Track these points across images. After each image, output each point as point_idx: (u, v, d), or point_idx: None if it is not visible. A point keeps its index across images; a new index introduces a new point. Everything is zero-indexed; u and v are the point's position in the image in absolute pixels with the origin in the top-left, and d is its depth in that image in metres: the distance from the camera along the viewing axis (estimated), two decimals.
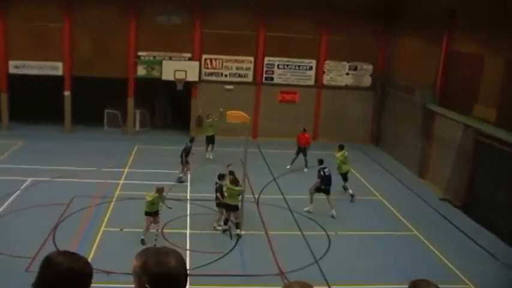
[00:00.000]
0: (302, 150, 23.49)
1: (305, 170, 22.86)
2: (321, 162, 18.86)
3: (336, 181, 19.73)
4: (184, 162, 21.04)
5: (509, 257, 15.79)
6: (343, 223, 17.77)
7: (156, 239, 15.27)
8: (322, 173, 18.34)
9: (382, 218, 18.64)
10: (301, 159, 23.36)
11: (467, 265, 15.12)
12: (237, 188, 16.16)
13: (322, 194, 18.37)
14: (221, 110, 22.60)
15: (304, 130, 24.15)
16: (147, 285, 2.53)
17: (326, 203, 18.24)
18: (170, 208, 16.60)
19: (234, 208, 16.27)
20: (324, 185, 18.26)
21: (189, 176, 21.04)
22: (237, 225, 16.34)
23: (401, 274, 14.33)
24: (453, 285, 13.86)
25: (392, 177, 23.81)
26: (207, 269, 13.97)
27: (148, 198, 15.54)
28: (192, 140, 22.06)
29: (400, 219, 18.60)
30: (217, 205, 16.75)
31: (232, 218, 16.57)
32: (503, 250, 16.40)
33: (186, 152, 21.19)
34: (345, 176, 20.67)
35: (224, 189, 16.37)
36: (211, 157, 24.25)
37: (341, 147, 21.11)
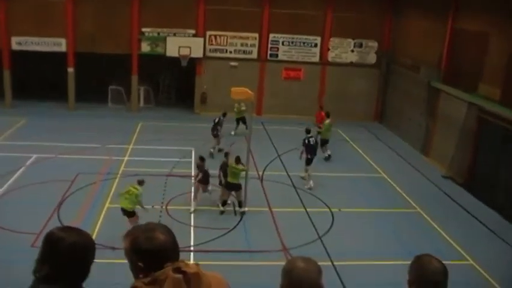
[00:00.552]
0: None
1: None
2: (308, 131, 19.46)
3: (334, 156, 19.74)
4: (218, 136, 21.57)
5: (511, 234, 15.87)
6: (346, 200, 17.84)
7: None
8: (306, 141, 19.00)
9: (385, 195, 18.69)
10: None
11: (469, 242, 15.21)
12: (240, 167, 16.14)
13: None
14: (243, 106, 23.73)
15: (321, 108, 23.96)
16: (140, 264, 2.55)
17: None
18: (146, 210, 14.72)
19: (235, 187, 16.22)
20: (308, 154, 18.81)
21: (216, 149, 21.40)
22: (240, 204, 16.35)
23: (404, 251, 14.43)
24: (455, 261, 13.94)
25: (396, 154, 23.82)
26: (211, 245, 14.09)
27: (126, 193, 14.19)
28: (224, 115, 22.24)
29: (403, 197, 18.66)
30: (220, 183, 16.80)
31: (233, 196, 16.59)
32: (505, 227, 16.49)
33: (220, 125, 21.68)
34: (324, 141, 21.88)
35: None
36: (232, 133, 24.35)
37: (327, 115, 22.28)
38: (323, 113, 23.22)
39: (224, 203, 16.33)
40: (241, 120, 24.36)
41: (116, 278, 10.75)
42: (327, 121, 22.04)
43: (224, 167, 16.56)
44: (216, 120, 21.74)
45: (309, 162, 18.96)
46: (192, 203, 16.52)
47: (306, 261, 2.76)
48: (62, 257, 2.56)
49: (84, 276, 2.65)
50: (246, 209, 16.31)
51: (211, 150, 21.06)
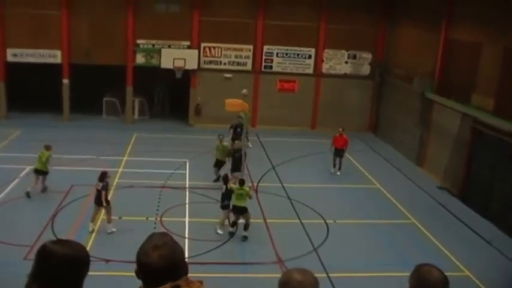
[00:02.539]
0: (338, 152, 21.71)
1: (338, 173, 21.67)
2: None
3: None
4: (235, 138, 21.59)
5: (506, 245, 15.89)
6: (341, 211, 17.82)
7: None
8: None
9: (380, 206, 18.69)
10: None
11: (464, 253, 15.21)
12: (246, 189, 15.53)
13: None
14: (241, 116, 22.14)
15: (343, 130, 22.13)
16: (138, 275, 2.58)
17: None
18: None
19: (243, 210, 15.38)
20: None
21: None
22: (245, 227, 15.39)
23: (399, 262, 14.43)
24: (450, 273, 13.83)
25: (391, 165, 23.86)
26: (206, 257, 14.02)
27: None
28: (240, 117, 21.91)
29: (398, 208, 18.67)
30: (222, 207, 15.82)
31: (241, 220, 15.58)
32: (500, 237, 16.50)
33: (237, 127, 21.92)
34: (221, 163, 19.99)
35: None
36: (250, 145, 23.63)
37: None
38: (345, 137, 21.94)
39: (233, 224, 15.57)
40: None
41: None
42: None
43: (228, 191, 15.72)
44: (235, 124, 22.19)
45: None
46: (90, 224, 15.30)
47: (302, 272, 2.75)
48: (54, 271, 2.52)
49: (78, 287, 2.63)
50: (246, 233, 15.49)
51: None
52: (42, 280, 2.52)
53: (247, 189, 15.74)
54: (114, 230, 15.26)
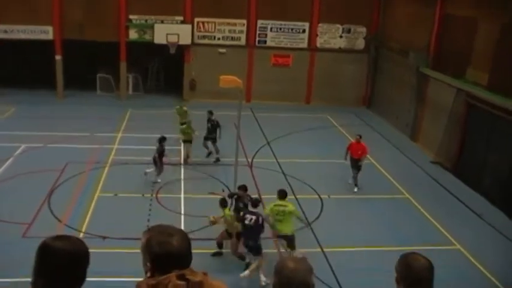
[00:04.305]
0: (355, 162, 17.81)
1: (355, 189, 17.77)
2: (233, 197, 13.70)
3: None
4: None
5: (497, 219, 16.11)
6: (335, 186, 17.96)
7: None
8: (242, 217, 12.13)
9: (374, 181, 18.82)
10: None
11: (457, 227, 15.41)
12: (290, 205, 12.41)
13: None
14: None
15: (360, 137, 18.03)
16: (148, 264, 2.63)
17: None
18: None
19: (290, 238, 12.37)
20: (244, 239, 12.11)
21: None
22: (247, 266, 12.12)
23: (392, 236, 14.63)
24: (442, 246, 14.15)
25: (385, 140, 23.97)
26: (201, 233, 14.13)
27: None
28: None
29: (392, 182, 18.83)
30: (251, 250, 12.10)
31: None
32: (491, 211, 16.72)
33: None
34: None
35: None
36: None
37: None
38: (363, 144, 17.88)
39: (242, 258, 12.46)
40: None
41: (105, 267, 10.84)
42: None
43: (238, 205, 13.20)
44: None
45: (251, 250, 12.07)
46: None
47: (295, 261, 2.84)
48: (58, 267, 2.59)
49: (82, 281, 2.70)
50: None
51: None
52: (47, 276, 2.59)
53: (291, 205, 12.40)
54: (159, 180, 17.23)
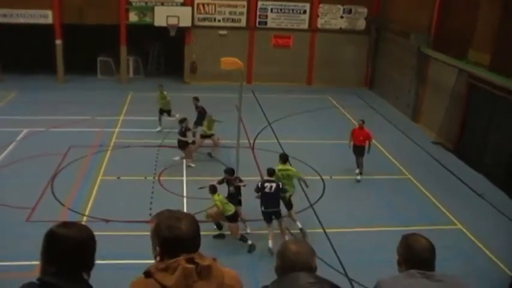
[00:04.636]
0: (358, 150, 17.19)
1: (358, 177, 17.11)
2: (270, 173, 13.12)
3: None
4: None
5: (498, 198, 16.17)
6: (337, 168, 17.99)
7: None
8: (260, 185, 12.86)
9: (375, 161, 18.81)
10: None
11: (458, 207, 15.48)
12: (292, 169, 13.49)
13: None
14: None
15: (363, 122, 17.32)
16: (157, 248, 2.67)
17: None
18: None
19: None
20: (265, 206, 12.67)
21: None
22: (303, 233, 13.09)
23: (394, 217, 14.70)
24: (444, 226, 14.22)
25: (386, 121, 23.96)
26: (204, 215, 14.22)
27: None
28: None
29: (393, 163, 18.86)
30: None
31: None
32: (492, 191, 16.77)
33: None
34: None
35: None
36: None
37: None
38: (366, 130, 17.16)
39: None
40: (166, 111, 20.96)
41: (109, 250, 10.92)
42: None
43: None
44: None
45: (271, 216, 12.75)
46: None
47: (297, 243, 2.88)
48: (66, 253, 2.63)
49: (91, 267, 2.74)
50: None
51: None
52: (55, 263, 2.63)
53: (293, 169, 13.50)
54: (193, 165, 17.33)
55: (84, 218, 13.66)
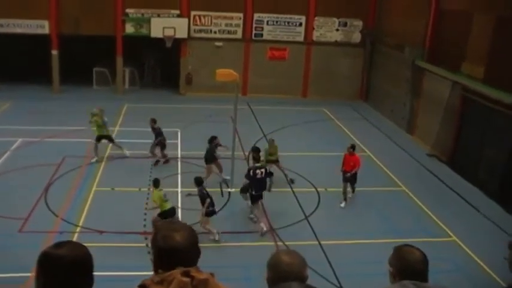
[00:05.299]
0: (349, 177, 16.09)
1: (342, 204, 16.15)
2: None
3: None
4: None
5: (493, 211, 16.19)
6: (332, 180, 17.95)
7: None
8: (252, 173, 14.16)
9: (371, 174, 18.85)
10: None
11: (452, 219, 15.48)
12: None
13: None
14: None
15: (353, 148, 16.31)
16: (154, 258, 2.65)
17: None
18: None
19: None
20: (256, 190, 14.12)
21: None
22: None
23: (390, 229, 14.70)
24: (439, 238, 14.21)
25: (381, 133, 24.02)
26: (199, 227, 14.17)
27: None
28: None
29: (388, 175, 18.88)
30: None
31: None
32: (487, 204, 16.78)
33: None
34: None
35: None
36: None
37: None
38: (356, 156, 16.32)
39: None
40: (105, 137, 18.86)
41: (102, 261, 10.83)
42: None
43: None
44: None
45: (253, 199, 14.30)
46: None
47: (289, 255, 2.86)
48: (65, 275, 2.50)
49: (91, 284, 2.62)
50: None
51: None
52: (55, 286, 2.50)
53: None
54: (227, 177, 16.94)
55: (78, 229, 13.58)
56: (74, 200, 15.34)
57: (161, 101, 27.06)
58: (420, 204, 16.53)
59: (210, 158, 16.80)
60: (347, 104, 28.37)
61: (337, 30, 29.36)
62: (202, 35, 28.42)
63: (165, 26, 27.24)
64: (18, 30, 26.52)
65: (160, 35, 27.21)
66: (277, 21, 28.83)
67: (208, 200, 13.31)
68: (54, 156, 18.28)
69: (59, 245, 2.58)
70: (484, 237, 14.51)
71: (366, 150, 21.26)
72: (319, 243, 13.63)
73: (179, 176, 17.65)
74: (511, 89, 16.83)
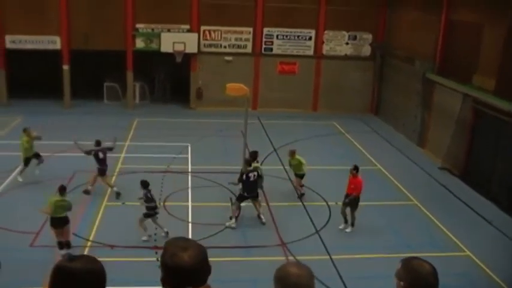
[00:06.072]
0: (349, 200, 15.13)
1: (347, 229, 15.33)
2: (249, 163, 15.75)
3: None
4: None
5: (507, 225, 15.99)
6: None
7: None
8: (245, 176, 15.27)
9: (382, 187, 18.76)
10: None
11: (466, 233, 15.31)
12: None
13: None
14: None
15: (356, 170, 15.25)
16: (160, 280, 2.58)
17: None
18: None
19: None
20: (248, 192, 15.33)
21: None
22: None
23: (402, 243, 14.56)
24: (452, 253, 14.05)
25: (392, 146, 23.90)
26: (209, 241, 14.07)
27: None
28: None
29: (399, 189, 18.75)
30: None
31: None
32: (501, 217, 16.60)
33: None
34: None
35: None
36: None
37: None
38: (359, 178, 15.11)
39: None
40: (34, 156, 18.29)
41: (113, 276, 10.80)
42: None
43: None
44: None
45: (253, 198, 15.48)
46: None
47: (297, 266, 2.81)
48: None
49: None
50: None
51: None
52: None
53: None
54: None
55: (89, 244, 13.57)
56: (84, 215, 15.36)
57: (171, 115, 27.13)
58: (432, 218, 16.38)
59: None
60: (357, 117, 28.30)
61: (347, 43, 29.38)
62: (212, 49, 28.55)
63: (175, 40, 27.41)
64: (30, 46, 26.78)
65: (170, 50, 27.37)
66: (286, 36, 28.92)
67: (153, 204, 14.22)
68: (65, 170, 18.34)
69: (73, 258, 2.56)
70: (498, 252, 14.33)
71: (377, 164, 21.16)
72: (330, 258, 13.52)
73: (189, 190, 17.63)
74: None
